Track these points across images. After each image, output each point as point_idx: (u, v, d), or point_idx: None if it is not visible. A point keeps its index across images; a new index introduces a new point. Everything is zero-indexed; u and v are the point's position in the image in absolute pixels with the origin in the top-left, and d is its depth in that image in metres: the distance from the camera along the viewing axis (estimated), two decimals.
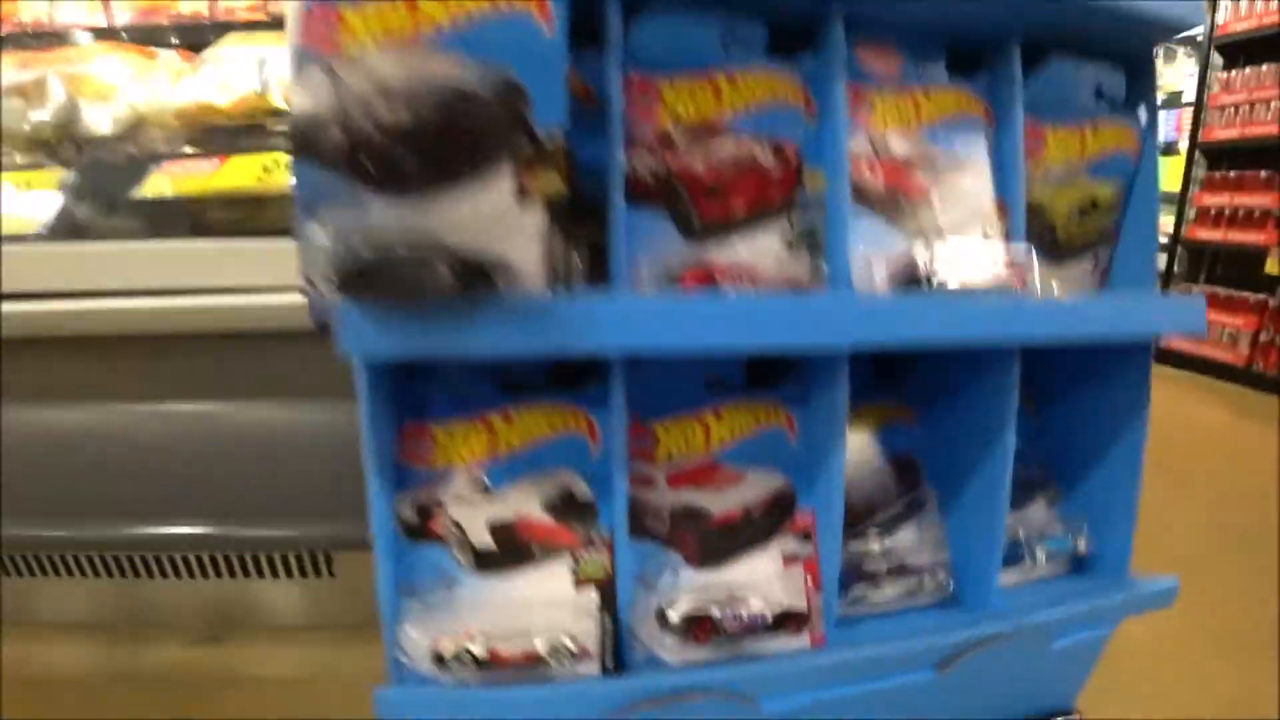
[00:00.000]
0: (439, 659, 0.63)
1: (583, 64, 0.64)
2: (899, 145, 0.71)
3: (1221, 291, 3.68)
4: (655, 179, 0.64)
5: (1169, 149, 4.11)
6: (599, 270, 0.64)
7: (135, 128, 1.61)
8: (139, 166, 1.46)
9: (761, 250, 0.66)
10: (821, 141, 0.68)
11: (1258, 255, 3.47)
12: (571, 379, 0.69)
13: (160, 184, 1.42)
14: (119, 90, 1.59)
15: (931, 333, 0.65)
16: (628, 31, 0.64)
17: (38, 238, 1.35)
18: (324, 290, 0.53)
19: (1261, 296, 3.47)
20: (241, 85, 1.44)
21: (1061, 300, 0.76)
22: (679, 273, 0.63)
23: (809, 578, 0.72)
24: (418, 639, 0.65)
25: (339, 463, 1.13)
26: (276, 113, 1.41)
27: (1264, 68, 3.44)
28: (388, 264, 0.51)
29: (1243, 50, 3.57)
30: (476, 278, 0.52)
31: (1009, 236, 0.75)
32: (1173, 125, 4.05)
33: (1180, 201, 3.77)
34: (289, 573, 1.38)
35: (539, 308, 0.56)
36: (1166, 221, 3.98)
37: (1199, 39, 3.78)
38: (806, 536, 0.75)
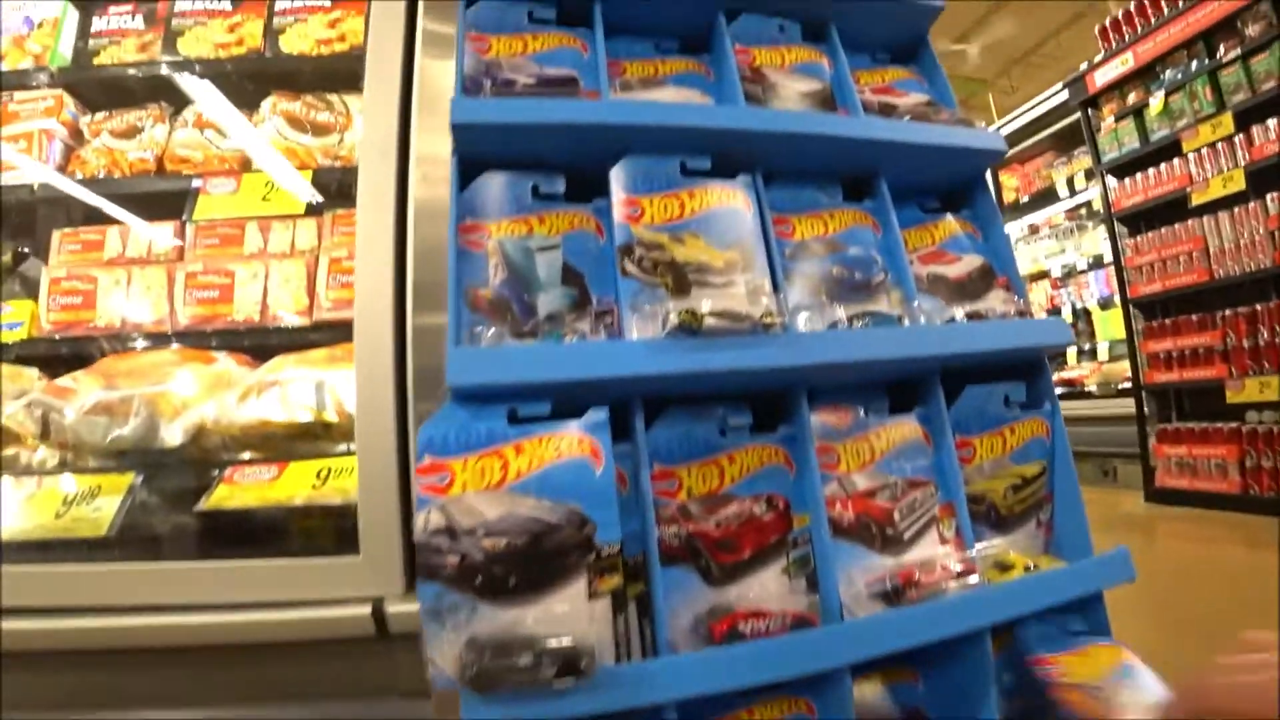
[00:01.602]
0: None
1: (618, 459, 0.86)
2: (862, 480, 0.92)
3: (1196, 426, 3.89)
4: (680, 542, 0.84)
5: (1107, 304, 4.55)
6: (646, 616, 0.81)
7: (200, 436, 1.80)
8: (205, 475, 1.61)
9: (766, 584, 0.84)
10: (802, 491, 0.89)
11: (1217, 388, 3.74)
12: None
13: (225, 494, 1.57)
14: (192, 407, 1.83)
15: (910, 640, 0.82)
16: (650, 432, 0.87)
17: (101, 547, 1.43)
18: (451, 676, 0.70)
19: (1234, 424, 3.69)
20: (300, 402, 1.68)
21: (1009, 583, 0.93)
22: (707, 620, 0.81)
23: None
24: None
25: None
26: (329, 426, 1.65)
27: (1163, 230, 3.95)
28: (503, 664, 0.68)
29: (1141, 218, 4.12)
30: (569, 665, 0.69)
31: (959, 532, 0.95)
32: (1103, 283, 4.53)
33: (1131, 350, 4.10)
34: None
35: (606, 675, 0.72)
36: (1125, 368, 4.31)
37: (1099, 213, 4.35)
38: None
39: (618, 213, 0.93)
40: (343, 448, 1.65)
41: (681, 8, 1.18)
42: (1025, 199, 5.47)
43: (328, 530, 1.49)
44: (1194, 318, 3.86)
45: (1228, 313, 3.69)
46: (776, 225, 1.00)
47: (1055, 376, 4.90)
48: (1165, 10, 4.01)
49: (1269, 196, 3.46)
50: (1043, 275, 5.26)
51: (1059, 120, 4.97)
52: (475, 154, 1.00)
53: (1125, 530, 3.72)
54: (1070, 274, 5.01)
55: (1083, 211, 4.99)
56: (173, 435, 1.81)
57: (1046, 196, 5.26)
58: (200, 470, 1.67)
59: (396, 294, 1.38)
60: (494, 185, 0.99)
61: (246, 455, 1.75)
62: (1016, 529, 1.05)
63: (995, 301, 1.08)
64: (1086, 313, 4.89)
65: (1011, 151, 5.50)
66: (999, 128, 5.39)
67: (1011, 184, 5.56)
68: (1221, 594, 2.70)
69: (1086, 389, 4.77)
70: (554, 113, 0.94)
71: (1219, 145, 3.70)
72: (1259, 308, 3.54)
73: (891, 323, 0.94)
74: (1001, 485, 1.04)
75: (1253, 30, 3.58)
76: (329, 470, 1.57)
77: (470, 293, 0.92)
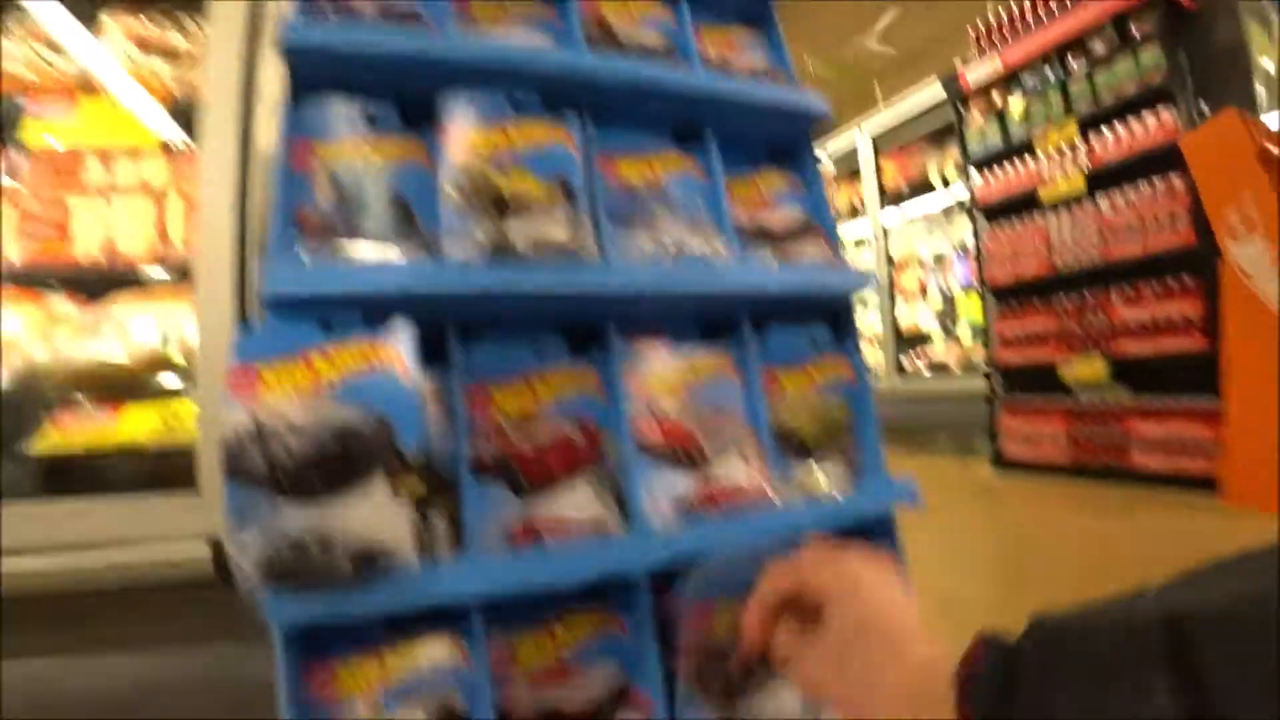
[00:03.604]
0: None
1: (437, 378, 0.90)
2: (671, 406, 1.00)
3: (1038, 400, 4.36)
4: (491, 460, 0.89)
5: (969, 289, 4.98)
6: (457, 529, 0.86)
7: (29, 379, 1.67)
8: (32, 419, 1.52)
9: (577, 501, 0.91)
10: (611, 414, 0.95)
11: (1051, 368, 4.20)
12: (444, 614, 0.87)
13: (55, 437, 1.49)
14: (17, 347, 1.68)
15: (706, 545, 0.91)
16: (465, 353, 0.91)
17: None
18: (254, 578, 0.71)
19: (1066, 402, 4.16)
20: (141, 341, 1.59)
21: (810, 499, 1.04)
22: (514, 528, 0.86)
23: None
24: None
25: (237, 707, 1.20)
26: (174, 366, 1.57)
27: (1015, 225, 4.36)
28: (302, 559, 0.71)
29: (999, 211, 4.52)
30: (368, 562, 0.72)
31: (762, 456, 1.05)
32: (966, 270, 4.95)
33: (985, 332, 4.53)
34: None
35: (411, 573, 0.76)
36: (979, 348, 4.74)
37: (967, 205, 4.73)
38: (643, 711, 0.94)
39: (446, 142, 0.95)
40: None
41: None
42: (905, 189, 5.88)
43: (168, 472, 1.44)
44: (1036, 303, 4.30)
45: (1063, 299, 4.14)
46: (602, 165, 1.05)
47: (926, 360, 5.33)
48: (1031, 23, 4.39)
49: (1099, 197, 3.90)
50: (915, 261, 5.69)
51: (934, 114, 5.34)
52: (310, 76, 0.98)
53: (972, 494, 4.13)
54: (939, 259, 5.45)
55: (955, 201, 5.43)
56: None
57: (924, 186, 5.67)
58: (29, 414, 1.56)
59: (237, 234, 1.34)
60: (327, 108, 0.98)
61: (82, 397, 1.65)
62: (823, 460, 1.17)
63: (812, 251, 1.19)
64: (950, 297, 5.34)
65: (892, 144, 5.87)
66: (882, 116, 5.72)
67: (891, 169, 5.95)
68: (1054, 553, 3.04)
69: (948, 367, 5.23)
70: (387, 42, 0.94)
71: (1065, 149, 4.11)
72: (1088, 295, 4.00)
73: (706, 260, 1.01)
74: (806, 418, 1.15)
75: (1099, 47, 3.99)
76: (176, 414, 1.51)
77: (298, 212, 0.92)
